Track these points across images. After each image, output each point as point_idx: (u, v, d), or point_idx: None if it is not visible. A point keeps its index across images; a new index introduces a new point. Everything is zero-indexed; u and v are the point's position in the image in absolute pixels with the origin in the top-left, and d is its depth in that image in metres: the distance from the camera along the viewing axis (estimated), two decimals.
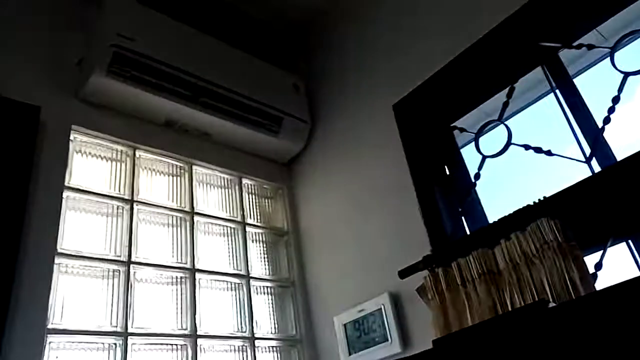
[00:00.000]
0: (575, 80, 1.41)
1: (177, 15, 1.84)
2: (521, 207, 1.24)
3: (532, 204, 1.23)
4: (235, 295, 1.74)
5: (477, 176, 1.54)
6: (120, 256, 1.52)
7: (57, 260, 1.39)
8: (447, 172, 1.62)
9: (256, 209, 1.98)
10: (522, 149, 1.44)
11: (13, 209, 1.31)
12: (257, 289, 1.80)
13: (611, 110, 1.29)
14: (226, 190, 1.93)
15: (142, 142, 1.73)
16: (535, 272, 1.14)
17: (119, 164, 1.68)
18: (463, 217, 1.53)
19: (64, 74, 1.65)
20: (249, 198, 1.98)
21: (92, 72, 1.57)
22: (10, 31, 1.62)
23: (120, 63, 1.59)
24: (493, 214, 1.49)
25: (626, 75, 1.29)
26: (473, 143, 1.58)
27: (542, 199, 1.22)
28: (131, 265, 1.52)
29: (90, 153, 1.64)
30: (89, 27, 1.74)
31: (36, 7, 1.73)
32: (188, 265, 1.65)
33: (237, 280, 1.76)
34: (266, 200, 2.04)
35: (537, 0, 1.41)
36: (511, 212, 1.26)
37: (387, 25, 1.91)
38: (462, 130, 1.65)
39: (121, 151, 1.70)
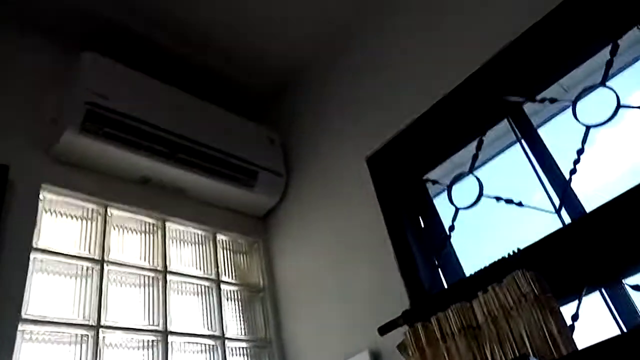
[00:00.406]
0: (540, 131, 1.45)
1: (152, 72, 1.87)
2: (497, 259, 1.25)
3: (507, 256, 1.24)
4: (210, 357, 1.68)
5: (452, 228, 1.56)
6: (89, 320, 1.46)
7: (20, 327, 1.32)
8: (422, 224, 1.63)
9: (231, 265, 1.95)
10: (494, 200, 1.47)
11: None
12: (232, 350, 1.75)
13: (576, 161, 1.34)
14: (200, 246, 1.91)
15: (115, 200, 1.71)
16: (514, 325, 1.14)
17: (89, 222, 1.65)
18: (440, 269, 1.53)
19: (35, 132, 1.64)
20: (223, 254, 1.95)
21: (65, 129, 1.56)
22: None
23: (94, 120, 1.59)
24: (469, 266, 1.49)
25: (588, 127, 1.35)
26: (445, 194, 1.60)
27: (516, 250, 1.24)
28: (100, 330, 1.46)
29: (59, 212, 1.61)
30: (63, 85, 1.74)
31: (11, 64, 1.73)
32: (160, 328, 1.60)
33: (211, 342, 1.71)
34: (241, 256, 2.02)
35: (500, 56, 1.47)
36: (487, 264, 1.26)
37: (358, 81, 1.96)
38: (434, 182, 1.68)
39: (92, 209, 1.68)
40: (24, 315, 1.35)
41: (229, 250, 1.99)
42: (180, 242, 1.85)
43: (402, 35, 1.82)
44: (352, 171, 1.82)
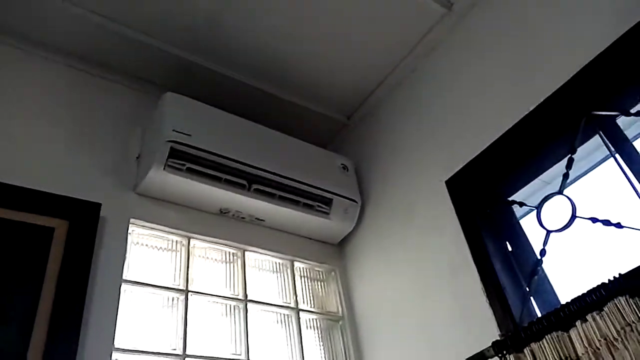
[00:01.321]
0: (636, 144, 1.37)
1: (227, 107, 1.94)
2: (596, 285, 1.17)
3: (607, 281, 1.15)
4: None
5: (543, 252, 1.48)
6: (175, 349, 1.51)
7: (114, 356, 1.40)
8: (509, 249, 1.57)
9: (309, 293, 1.96)
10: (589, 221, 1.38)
11: (73, 305, 1.35)
12: None
13: None
14: (278, 274, 1.93)
15: (197, 231, 1.77)
16: (619, 358, 1.06)
17: (174, 253, 1.71)
18: (531, 297, 1.46)
19: (123, 171, 1.74)
20: (301, 282, 1.97)
21: (151, 167, 1.64)
22: (78, 135, 1.75)
23: (177, 157, 1.67)
24: (564, 293, 1.41)
25: None
26: (534, 215, 1.52)
27: (617, 276, 1.15)
28: (186, 359, 1.50)
29: (146, 244, 1.68)
30: (146, 124, 1.85)
31: (97, 107, 1.86)
32: (243, 357, 1.62)
33: None
34: (319, 284, 2.03)
35: (588, 69, 1.40)
36: (585, 291, 1.18)
37: (433, 101, 1.94)
38: (521, 204, 1.60)
39: (176, 241, 1.74)
40: (116, 345, 1.41)
41: (307, 278, 2.00)
42: (259, 271, 1.88)
43: (482, 49, 1.78)
44: (430, 195, 1.80)
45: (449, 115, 1.84)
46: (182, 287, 1.65)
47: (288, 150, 1.98)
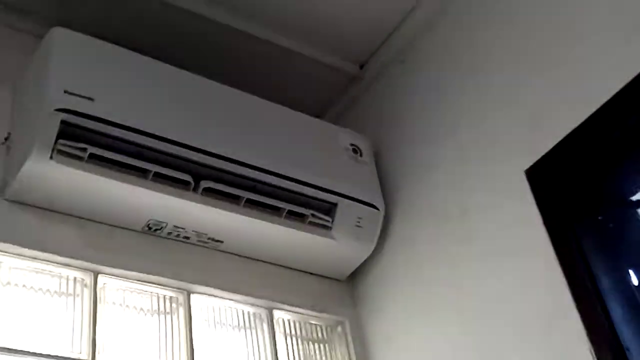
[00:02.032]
0: None
1: (158, 52, 1.90)
2: None
3: None
4: None
5: None
6: None
7: None
8: (636, 281, 1.54)
9: None
10: None
11: None
12: None
13: None
14: (248, 332, 1.92)
15: (109, 262, 1.73)
16: None
17: (70, 299, 1.67)
18: None
19: None
20: (287, 343, 1.96)
21: (29, 154, 1.58)
22: None
23: (73, 137, 1.62)
24: None
25: None
26: None
27: None
28: None
29: (24, 285, 1.63)
30: (20, 84, 1.82)
31: None
32: None
33: None
34: (316, 347, 2.03)
35: None
36: None
37: (505, 44, 1.92)
38: None
39: (75, 279, 1.70)
40: None
41: (296, 336, 2.00)
42: (215, 327, 1.87)
43: None
44: (500, 194, 1.78)
45: (529, 64, 1.81)
46: (84, 358, 1.59)
47: (261, 123, 1.97)
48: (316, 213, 1.94)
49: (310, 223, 1.93)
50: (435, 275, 1.91)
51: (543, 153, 1.70)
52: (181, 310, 1.80)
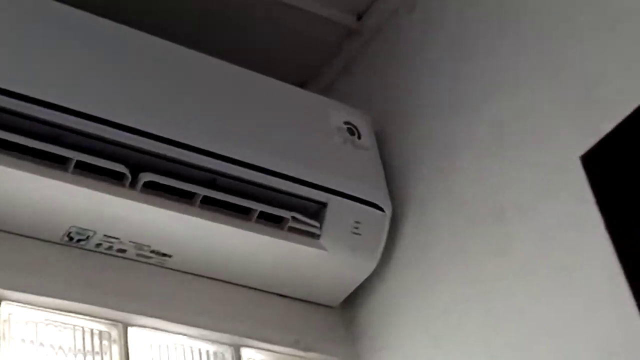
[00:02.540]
0: None
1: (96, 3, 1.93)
2: None
3: None
4: None
5: None
6: None
7: None
8: None
9: None
10: None
11: None
12: None
13: None
14: None
15: (15, 286, 1.71)
16: None
17: None
18: None
19: None
20: None
21: None
22: None
23: None
24: None
25: None
26: None
27: None
28: None
29: None
30: None
31: None
32: None
33: None
34: None
35: None
36: None
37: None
38: None
39: None
40: None
41: None
42: None
43: None
44: (546, 187, 1.78)
45: (584, 23, 1.81)
46: None
47: (224, 96, 1.99)
48: (299, 216, 1.92)
49: (291, 229, 1.92)
50: (460, 300, 1.88)
51: (604, 134, 1.68)
52: (115, 349, 1.77)
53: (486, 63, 2.03)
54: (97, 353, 1.77)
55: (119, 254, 1.85)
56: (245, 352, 1.95)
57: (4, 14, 1.76)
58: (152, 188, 1.78)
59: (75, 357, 1.74)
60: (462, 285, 1.90)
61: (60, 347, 1.74)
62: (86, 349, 1.77)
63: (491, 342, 1.80)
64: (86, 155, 1.70)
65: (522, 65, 1.95)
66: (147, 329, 1.85)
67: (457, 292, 1.91)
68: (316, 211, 1.96)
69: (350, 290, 2.08)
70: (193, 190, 1.81)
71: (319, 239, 1.95)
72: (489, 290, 1.85)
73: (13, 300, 1.71)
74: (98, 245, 1.82)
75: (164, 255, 1.87)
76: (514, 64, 1.97)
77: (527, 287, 1.76)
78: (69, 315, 1.77)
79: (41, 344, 1.72)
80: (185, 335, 1.89)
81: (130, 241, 1.82)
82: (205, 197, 1.82)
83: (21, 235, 1.77)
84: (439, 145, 2.08)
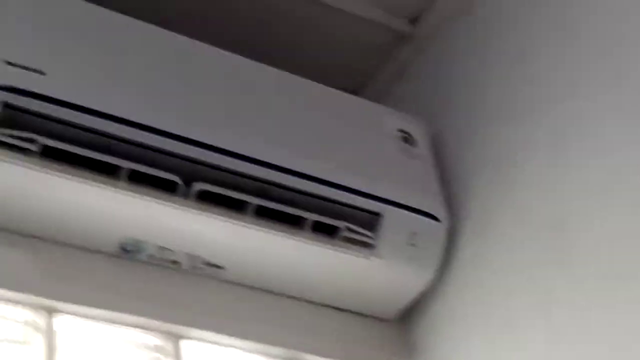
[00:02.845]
0: None
1: (145, 11, 1.95)
2: None
3: None
4: None
5: None
6: None
7: None
8: None
9: None
10: None
11: None
12: None
13: None
14: None
15: (70, 298, 1.73)
16: None
17: (19, 347, 1.67)
18: None
19: None
20: None
21: None
22: None
23: (16, 125, 1.62)
24: None
25: None
26: None
27: None
28: None
29: None
30: None
31: None
32: None
33: None
34: None
35: None
36: None
37: None
38: None
39: (25, 322, 1.70)
40: None
41: None
42: None
43: None
44: (614, 195, 1.73)
45: None
46: None
47: (276, 104, 1.99)
48: (353, 226, 1.90)
49: (345, 239, 1.89)
50: (521, 313, 1.84)
51: None
52: None
53: (547, 69, 2.01)
54: None
55: (172, 266, 1.87)
56: None
57: (53, 23, 1.80)
58: (204, 198, 1.78)
59: None
60: (523, 298, 1.88)
61: None
62: None
63: (554, 357, 1.78)
64: (139, 165, 1.71)
65: (583, 72, 1.94)
66: (200, 341, 1.86)
67: (518, 305, 1.89)
68: (370, 221, 1.94)
69: (406, 303, 2.07)
70: (246, 200, 1.81)
71: (373, 250, 1.94)
72: (550, 303, 1.82)
73: (66, 312, 1.73)
74: (151, 256, 1.83)
75: (217, 266, 1.88)
76: (575, 70, 1.95)
77: (590, 300, 1.73)
78: (122, 327, 1.79)
79: (93, 358, 1.75)
80: (238, 348, 1.90)
81: (183, 252, 1.84)
82: (258, 207, 1.82)
83: (74, 246, 1.79)
84: (497, 154, 2.07)
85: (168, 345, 1.82)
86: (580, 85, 1.95)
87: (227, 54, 1.98)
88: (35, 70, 1.64)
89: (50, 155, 1.64)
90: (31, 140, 1.62)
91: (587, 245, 1.77)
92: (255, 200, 1.81)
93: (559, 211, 1.87)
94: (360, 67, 2.45)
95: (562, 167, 1.90)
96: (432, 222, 2.00)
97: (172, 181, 1.74)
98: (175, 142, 1.74)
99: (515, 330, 1.88)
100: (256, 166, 1.82)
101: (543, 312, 1.83)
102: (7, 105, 1.60)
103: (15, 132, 1.61)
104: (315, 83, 2.07)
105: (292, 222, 1.87)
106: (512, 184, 2.00)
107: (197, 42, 1.95)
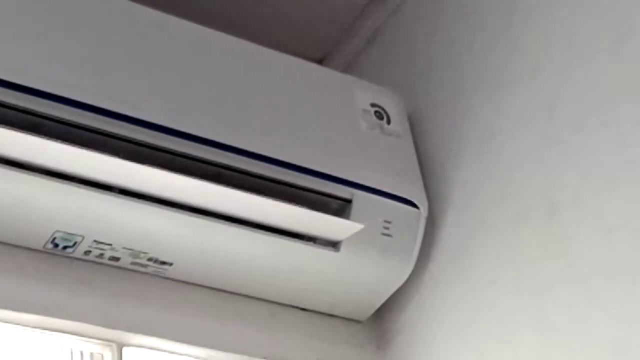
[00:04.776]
0: None
1: None
2: None
3: None
4: None
5: None
6: None
7: None
8: None
9: None
10: None
11: None
12: None
13: None
14: None
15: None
16: None
17: None
18: None
19: None
20: None
21: None
22: None
23: None
24: None
25: None
26: None
27: None
28: None
29: None
30: None
31: None
32: None
33: None
34: None
35: None
36: None
37: None
38: None
39: None
40: None
41: None
42: None
43: None
44: (610, 178, 1.74)
45: None
46: None
47: (228, 75, 1.98)
48: (317, 213, 1.92)
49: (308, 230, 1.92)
50: (509, 310, 1.85)
51: None
52: None
53: (538, 34, 2.01)
54: None
55: (111, 263, 1.85)
56: None
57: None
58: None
59: None
60: (511, 294, 1.88)
61: None
62: None
63: (545, 356, 1.79)
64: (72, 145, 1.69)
65: (579, 33, 1.93)
66: (145, 349, 1.86)
67: (506, 301, 1.89)
68: (339, 209, 1.95)
69: (381, 302, 2.06)
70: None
71: (341, 242, 1.94)
72: (542, 299, 1.82)
73: None
74: (87, 252, 1.81)
75: (164, 263, 1.87)
76: (569, 31, 1.95)
77: (585, 295, 1.74)
78: (55, 333, 1.78)
79: None
80: (189, 356, 1.91)
81: (124, 247, 1.82)
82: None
83: None
84: (482, 130, 2.06)
85: (107, 354, 1.82)
86: (577, 52, 1.94)
87: (174, 19, 1.97)
88: None
89: None
90: None
91: (584, 234, 1.77)
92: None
93: (552, 196, 1.86)
94: (326, 34, 2.46)
95: (555, 146, 1.89)
96: (409, 208, 2.00)
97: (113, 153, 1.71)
98: (114, 120, 1.72)
99: (504, 332, 1.88)
100: (208, 147, 1.81)
101: (535, 311, 1.83)
102: None
103: None
104: (275, 52, 2.06)
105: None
106: (498, 165, 2.00)
107: (138, 5, 1.93)
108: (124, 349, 1.83)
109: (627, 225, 1.69)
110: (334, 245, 1.93)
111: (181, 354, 1.90)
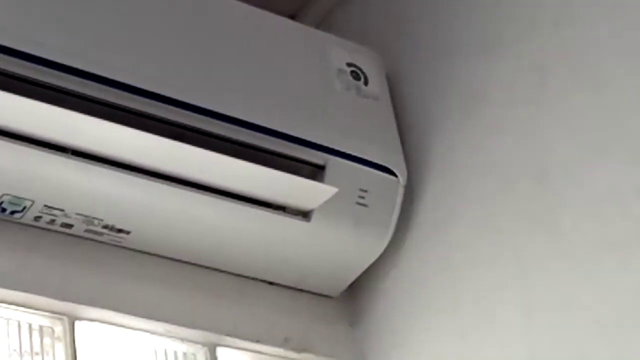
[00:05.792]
0: None
1: None
2: None
3: None
4: None
5: None
6: None
7: None
8: None
9: None
10: None
11: None
12: None
13: None
14: None
15: None
16: None
17: None
18: None
19: None
20: None
21: None
22: None
23: None
24: None
25: None
26: None
27: None
28: None
29: None
30: None
31: None
32: None
33: None
34: None
35: None
36: None
37: None
38: None
39: None
40: None
41: None
42: None
43: None
44: (604, 146, 1.74)
45: None
46: None
47: (192, 29, 1.98)
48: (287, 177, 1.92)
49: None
50: (493, 285, 1.85)
51: None
52: (59, 348, 1.75)
53: None
54: (37, 354, 1.76)
55: (64, 230, 1.84)
56: (222, 353, 1.95)
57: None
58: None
59: (10, 358, 1.74)
60: (496, 267, 1.89)
61: None
62: (23, 348, 1.76)
63: (531, 335, 1.80)
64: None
65: None
66: (97, 323, 1.85)
67: (489, 275, 1.90)
68: (310, 176, 1.95)
69: (355, 277, 2.07)
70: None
71: (313, 212, 1.94)
72: (527, 273, 1.84)
73: None
74: (37, 218, 1.80)
75: (120, 231, 1.86)
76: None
77: (574, 269, 1.75)
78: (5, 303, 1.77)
79: None
80: (147, 331, 1.90)
81: (77, 213, 1.81)
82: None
83: None
84: (466, 94, 2.06)
85: (59, 328, 1.80)
86: (570, 10, 1.94)
87: None
88: None
89: None
90: None
91: (576, 203, 1.78)
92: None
93: (541, 161, 1.87)
94: None
95: (545, 108, 1.90)
96: (387, 176, 2.00)
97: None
98: (68, 75, 1.71)
99: (486, 310, 1.90)
100: (170, 106, 1.81)
101: (521, 287, 1.84)
102: None
103: None
104: (244, 4, 2.05)
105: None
106: (483, 131, 2.00)
107: None
108: (77, 323, 1.81)
109: (617, 195, 1.70)
110: (304, 214, 1.94)
111: (138, 329, 1.89)
